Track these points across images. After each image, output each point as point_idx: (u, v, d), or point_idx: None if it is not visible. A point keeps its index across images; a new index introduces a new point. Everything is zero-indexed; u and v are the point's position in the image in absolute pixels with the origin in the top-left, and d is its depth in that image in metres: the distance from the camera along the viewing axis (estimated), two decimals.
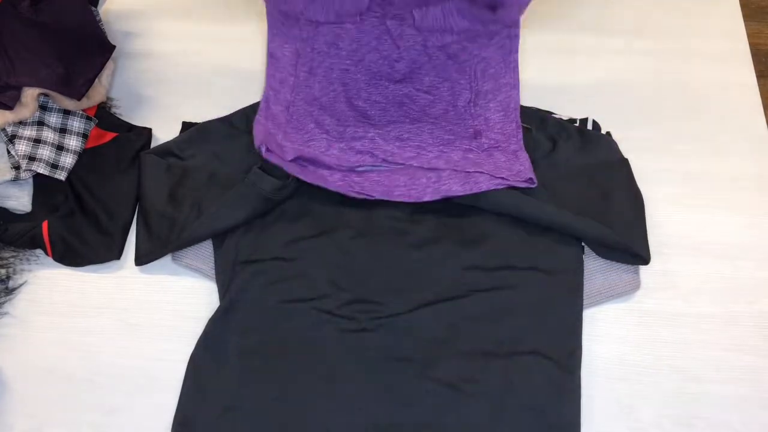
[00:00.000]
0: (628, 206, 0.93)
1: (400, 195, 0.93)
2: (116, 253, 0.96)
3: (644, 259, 0.89)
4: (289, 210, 0.93)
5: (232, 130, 1.01)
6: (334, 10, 0.94)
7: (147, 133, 1.05)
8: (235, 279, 0.89)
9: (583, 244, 0.91)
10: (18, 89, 0.96)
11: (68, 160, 0.98)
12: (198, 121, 1.05)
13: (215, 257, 0.93)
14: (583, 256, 0.91)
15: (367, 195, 0.92)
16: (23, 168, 0.95)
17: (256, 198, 0.91)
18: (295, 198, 0.94)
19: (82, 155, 1.01)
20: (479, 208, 0.92)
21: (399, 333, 0.85)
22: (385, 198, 0.92)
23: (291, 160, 0.93)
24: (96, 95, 1.03)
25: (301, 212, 0.93)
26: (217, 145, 1.00)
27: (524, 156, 0.95)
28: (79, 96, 1.00)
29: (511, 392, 0.81)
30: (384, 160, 0.96)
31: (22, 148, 0.96)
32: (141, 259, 0.93)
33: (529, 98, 1.06)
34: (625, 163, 0.96)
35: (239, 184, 0.91)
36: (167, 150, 1.00)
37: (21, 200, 1.00)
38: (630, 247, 0.88)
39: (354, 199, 0.93)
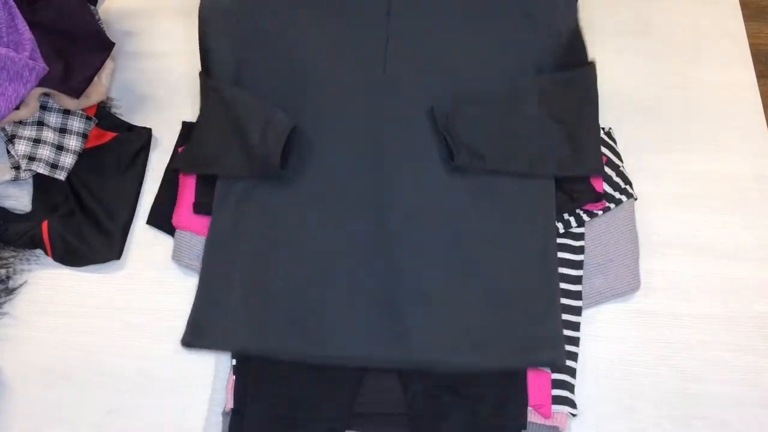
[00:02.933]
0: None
1: None
2: (116, 253, 0.96)
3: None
4: None
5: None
6: None
7: (147, 133, 1.05)
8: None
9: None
10: None
11: (68, 160, 0.98)
12: None
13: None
14: (583, 256, 0.91)
15: None
16: (23, 168, 0.95)
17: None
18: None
19: (82, 155, 1.01)
20: None
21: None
22: None
23: None
24: (96, 94, 1.03)
25: None
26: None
27: None
28: (78, 93, 0.99)
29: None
30: None
31: (22, 148, 0.96)
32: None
33: None
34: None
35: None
36: None
37: (21, 200, 1.00)
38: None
39: None
